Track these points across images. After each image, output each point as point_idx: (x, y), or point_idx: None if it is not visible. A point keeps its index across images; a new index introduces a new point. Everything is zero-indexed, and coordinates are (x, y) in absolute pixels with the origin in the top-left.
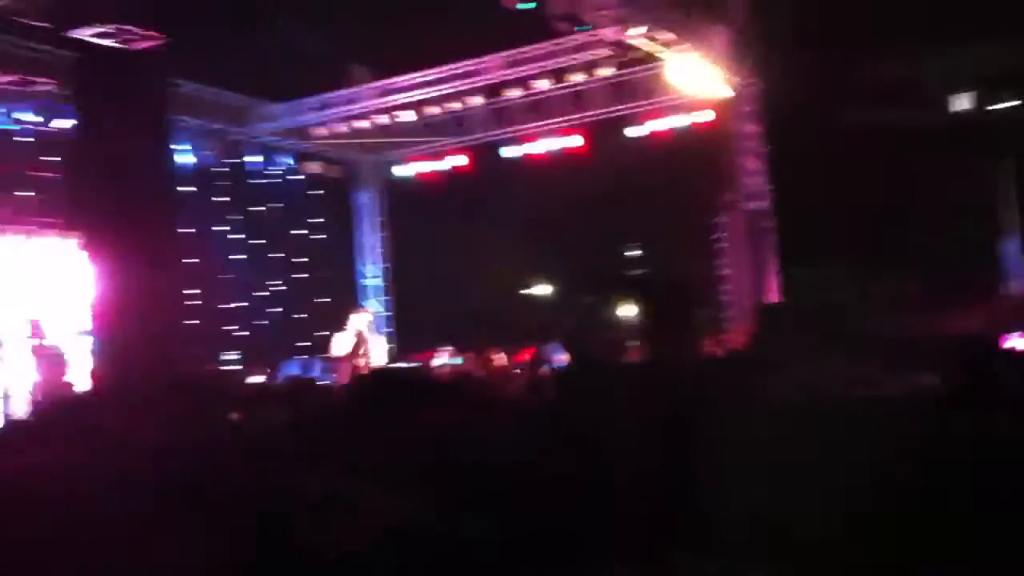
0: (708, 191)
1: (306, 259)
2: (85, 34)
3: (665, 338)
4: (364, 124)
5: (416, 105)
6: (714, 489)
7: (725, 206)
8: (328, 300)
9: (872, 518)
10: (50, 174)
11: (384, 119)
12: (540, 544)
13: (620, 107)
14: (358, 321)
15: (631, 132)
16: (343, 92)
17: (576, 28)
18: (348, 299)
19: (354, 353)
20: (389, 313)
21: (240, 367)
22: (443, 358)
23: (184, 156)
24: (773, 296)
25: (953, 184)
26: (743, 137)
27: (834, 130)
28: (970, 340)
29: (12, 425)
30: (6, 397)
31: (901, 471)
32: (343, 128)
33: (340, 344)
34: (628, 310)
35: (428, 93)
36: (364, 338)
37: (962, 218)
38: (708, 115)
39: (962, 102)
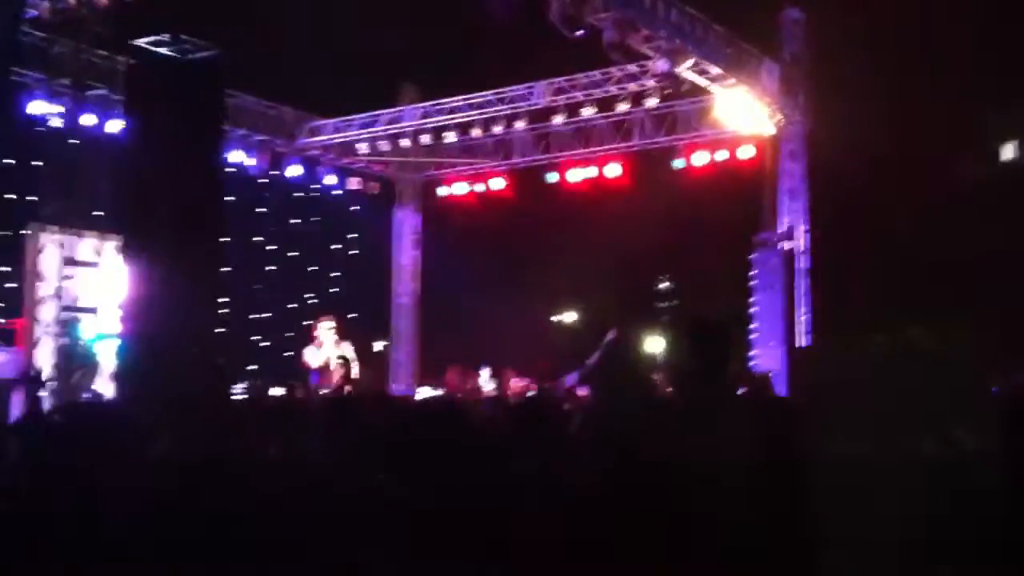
0: (744, 228)
1: (340, 273)
2: (142, 42)
3: (702, 377)
4: (407, 143)
5: (460, 127)
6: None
7: (760, 244)
8: (359, 316)
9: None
10: (96, 176)
11: (427, 139)
12: None
13: (663, 139)
14: (325, 329)
15: (673, 164)
16: (389, 111)
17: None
18: (380, 315)
19: (327, 364)
20: (412, 332)
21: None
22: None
23: (227, 165)
24: (802, 338)
25: (998, 232)
26: (784, 176)
27: (879, 173)
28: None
29: (34, 427)
30: (39, 396)
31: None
32: (386, 146)
33: (314, 356)
34: (657, 344)
35: (473, 116)
36: (331, 348)
37: (1007, 266)
38: (750, 151)
39: (1008, 151)
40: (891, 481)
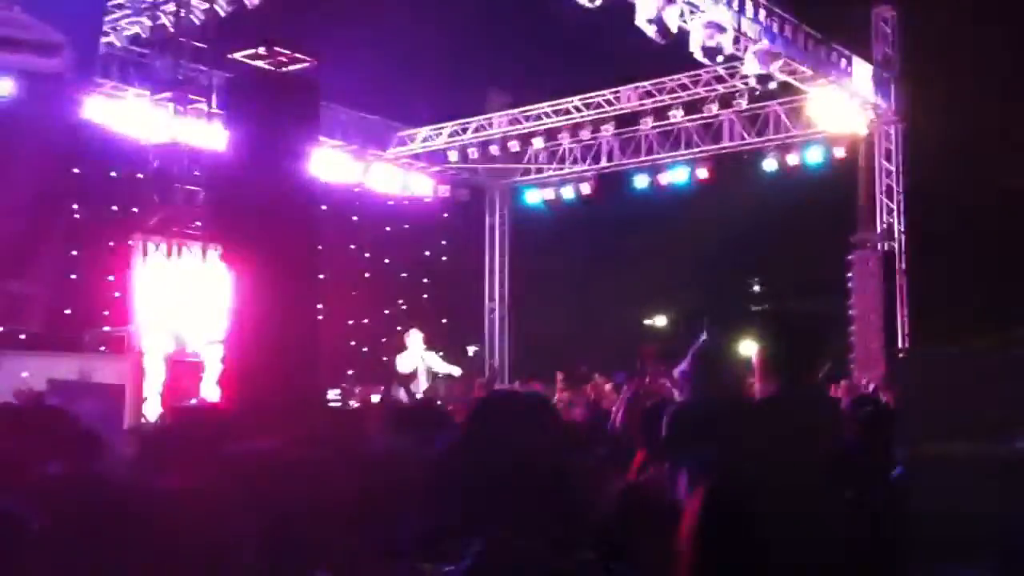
0: (839, 229)
1: (432, 279)
2: (238, 56)
3: (794, 377)
4: (496, 150)
5: (548, 133)
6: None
7: (857, 244)
8: (449, 321)
9: None
10: (197, 186)
11: (516, 145)
12: None
13: (753, 140)
14: (415, 339)
15: (764, 165)
16: (477, 118)
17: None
18: (472, 319)
19: (414, 374)
20: (501, 337)
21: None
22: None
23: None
24: (903, 340)
25: None
26: (879, 175)
27: (976, 171)
28: None
29: (145, 433)
30: (144, 401)
31: None
32: (476, 153)
33: (404, 363)
34: (750, 346)
35: (560, 121)
36: (423, 357)
37: None
38: (843, 151)
39: None
40: (993, 482)
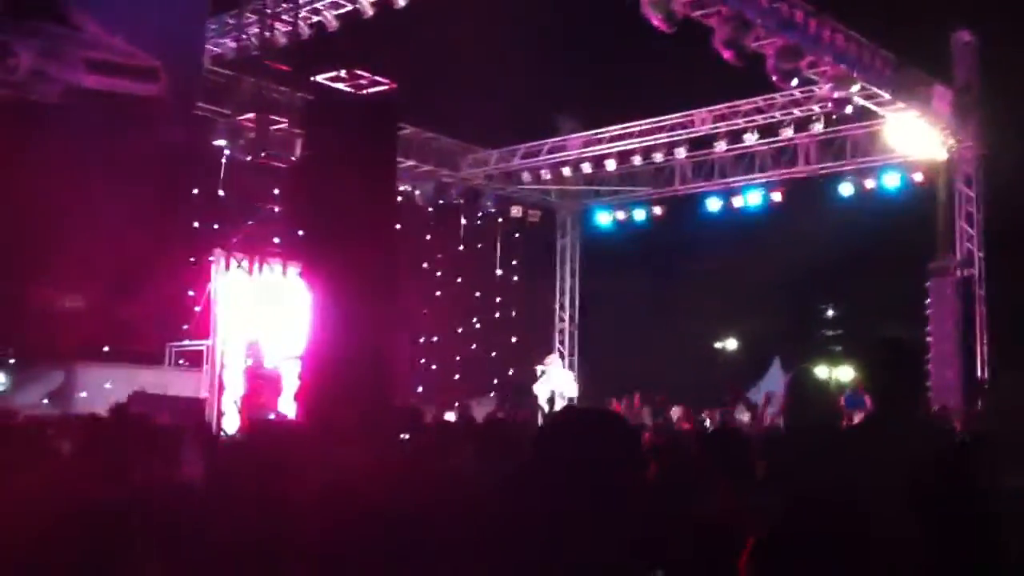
0: (915, 254)
1: (503, 299)
2: (320, 78)
3: (897, 402)
4: (568, 172)
5: (620, 155)
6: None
7: (935, 271)
8: (520, 340)
9: None
10: (276, 206)
11: (588, 168)
12: None
13: (829, 164)
14: (553, 363)
15: (840, 190)
16: (551, 140)
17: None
18: (542, 339)
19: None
20: (573, 356)
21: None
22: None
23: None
24: (980, 369)
25: None
26: (959, 201)
27: None
28: None
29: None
30: (223, 414)
31: None
32: (548, 175)
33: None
34: (839, 372)
35: (633, 144)
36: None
37: None
38: (920, 176)
39: None
40: None
